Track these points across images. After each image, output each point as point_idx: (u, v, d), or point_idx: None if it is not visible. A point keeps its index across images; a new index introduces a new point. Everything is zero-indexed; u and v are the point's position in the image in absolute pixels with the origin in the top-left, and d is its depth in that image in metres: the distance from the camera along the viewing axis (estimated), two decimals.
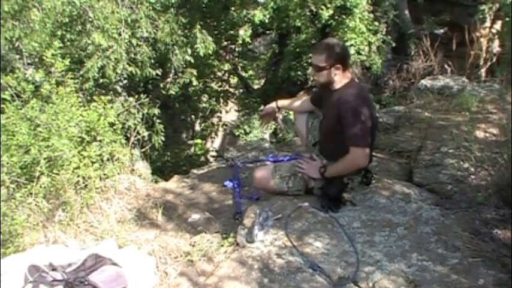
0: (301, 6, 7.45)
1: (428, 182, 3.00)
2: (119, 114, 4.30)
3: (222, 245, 2.50)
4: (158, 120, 5.08)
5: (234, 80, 10.03)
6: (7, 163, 2.67)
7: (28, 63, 5.08)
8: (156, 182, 3.99)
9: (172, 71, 5.54)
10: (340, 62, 2.62)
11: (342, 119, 2.56)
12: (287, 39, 8.94)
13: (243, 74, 10.28)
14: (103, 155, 3.03)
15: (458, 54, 5.44)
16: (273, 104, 3.17)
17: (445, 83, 4.53)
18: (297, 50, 8.09)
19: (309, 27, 7.81)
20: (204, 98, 9.28)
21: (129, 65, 4.67)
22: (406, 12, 8.96)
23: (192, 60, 5.25)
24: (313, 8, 7.34)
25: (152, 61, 5.00)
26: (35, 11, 4.17)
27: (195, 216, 2.93)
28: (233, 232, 2.56)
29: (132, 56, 4.79)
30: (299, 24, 7.72)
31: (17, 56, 4.90)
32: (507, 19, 6.17)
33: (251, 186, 3.10)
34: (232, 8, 8.31)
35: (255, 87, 10.39)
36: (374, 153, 3.06)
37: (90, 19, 4.32)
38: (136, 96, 5.13)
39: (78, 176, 2.79)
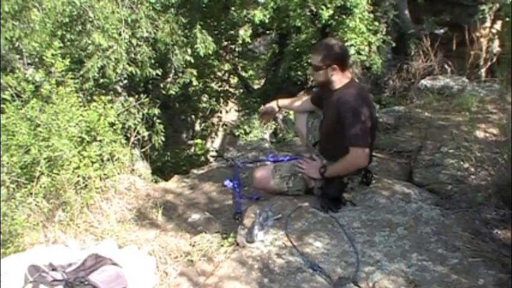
0: (301, 6, 7.45)
1: (429, 182, 3.00)
2: (119, 114, 4.29)
3: (222, 245, 2.50)
4: (158, 120, 5.08)
5: (234, 80, 10.04)
6: (7, 163, 2.67)
7: (28, 63, 5.08)
8: (156, 182, 3.99)
9: (173, 71, 5.54)
10: (336, 63, 2.62)
11: (342, 119, 2.56)
12: (287, 39, 8.95)
13: (243, 74, 10.29)
14: (103, 155, 3.03)
15: (458, 54, 5.44)
16: (273, 103, 3.16)
17: (445, 83, 4.53)
18: (297, 50, 8.09)
19: (309, 27, 7.81)
20: (204, 98, 9.28)
21: (129, 65, 4.67)
22: (406, 12, 8.96)
23: (192, 60, 5.25)
24: (313, 8, 7.34)
25: (152, 61, 5.01)
26: (35, 11, 4.17)
27: (195, 216, 2.93)
28: (233, 232, 2.56)
29: (132, 56, 4.79)
30: (299, 24, 7.72)
31: (17, 56, 4.91)
32: (507, 19, 6.16)
33: (251, 186, 3.10)
34: (233, 8, 8.32)
35: (255, 87, 10.40)
36: (374, 153, 3.07)
37: (90, 19, 4.32)
38: (136, 96, 5.13)
39: (78, 176, 2.79)
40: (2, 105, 2.95)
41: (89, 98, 4.05)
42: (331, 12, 7.19)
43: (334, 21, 7.33)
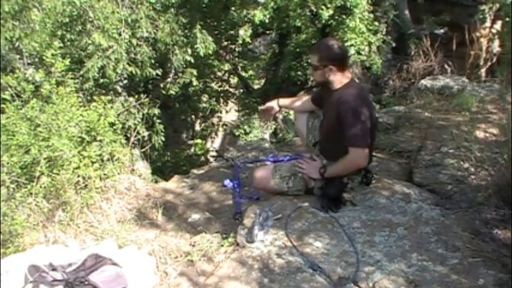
0: (301, 6, 7.45)
1: (429, 182, 3.00)
2: (119, 114, 4.29)
3: (222, 245, 2.51)
4: (158, 120, 5.08)
5: (234, 80, 10.04)
6: (7, 163, 2.67)
7: (28, 63, 5.08)
8: (156, 182, 3.99)
9: (173, 71, 5.55)
10: (333, 63, 2.62)
11: (341, 119, 2.56)
12: (287, 39, 8.95)
13: (243, 74, 10.28)
14: (103, 155, 3.03)
15: (459, 54, 5.43)
16: (274, 102, 3.15)
17: (445, 83, 4.53)
18: (297, 50, 8.09)
19: (309, 27, 7.81)
20: (204, 98, 9.29)
21: (129, 65, 4.67)
22: (406, 12, 8.96)
23: (192, 60, 5.25)
24: (313, 8, 7.33)
25: (152, 61, 5.00)
26: (35, 11, 4.17)
27: (195, 216, 2.93)
28: (233, 232, 2.56)
29: (132, 56, 4.79)
30: (299, 24, 7.72)
31: (17, 56, 4.91)
32: (507, 19, 6.17)
33: (251, 186, 3.10)
34: (233, 8, 8.32)
35: (255, 87, 10.40)
36: (374, 153, 3.07)
37: (91, 19, 4.32)
38: (136, 96, 5.13)
39: (78, 176, 2.79)
40: (2, 105, 2.95)
41: (89, 98, 4.05)
42: (331, 12, 7.19)
43: (334, 21, 7.33)
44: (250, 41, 9.69)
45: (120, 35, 4.44)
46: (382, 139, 3.67)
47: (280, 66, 8.91)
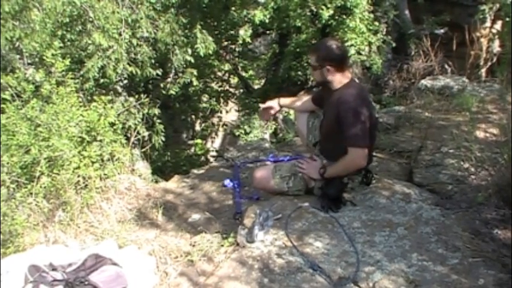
0: (301, 6, 7.45)
1: (429, 182, 3.00)
2: (119, 114, 4.29)
3: (222, 245, 2.51)
4: (158, 120, 5.08)
5: (234, 80, 10.03)
6: (7, 163, 2.67)
7: (28, 63, 5.08)
8: (156, 182, 3.99)
9: (173, 71, 5.53)
10: (331, 64, 2.62)
11: (341, 119, 2.56)
12: (287, 39, 8.94)
13: (243, 74, 10.28)
14: (103, 155, 3.03)
15: (459, 54, 5.43)
16: (275, 101, 3.14)
17: (445, 83, 4.52)
18: (297, 50, 8.08)
19: (309, 27, 7.81)
20: (204, 98, 9.28)
21: (130, 65, 4.67)
22: (406, 12, 8.96)
23: (193, 60, 5.24)
24: (313, 8, 7.33)
25: (152, 61, 5.00)
26: (36, 11, 4.17)
27: (195, 216, 2.93)
28: (233, 232, 2.56)
29: (133, 56, 4.79)
30: (299, 24, 7.71)
31: (18, 56, 4.91)
32: (507, 19, 6.15)
33: (251, 186, 3.10)
34: (233, 8, 8.31)
35: (255, 87, 10.40)
36: (374, 153, 3.06)
37: (91, 19, 4.32)
38: (136, 96, 5.13)
39: (79, 176, 2.79)
40: (2, 105, 2.95)
41: (89, 98, 4.05)
42: (331, 12, 7.19)
43: (334, 21, 7.33)
44: (250, 41, 9.68)
45: (120, 35, 4.44)
46: (382, 139, 3.67)
47: (280, 66, 8.90)
